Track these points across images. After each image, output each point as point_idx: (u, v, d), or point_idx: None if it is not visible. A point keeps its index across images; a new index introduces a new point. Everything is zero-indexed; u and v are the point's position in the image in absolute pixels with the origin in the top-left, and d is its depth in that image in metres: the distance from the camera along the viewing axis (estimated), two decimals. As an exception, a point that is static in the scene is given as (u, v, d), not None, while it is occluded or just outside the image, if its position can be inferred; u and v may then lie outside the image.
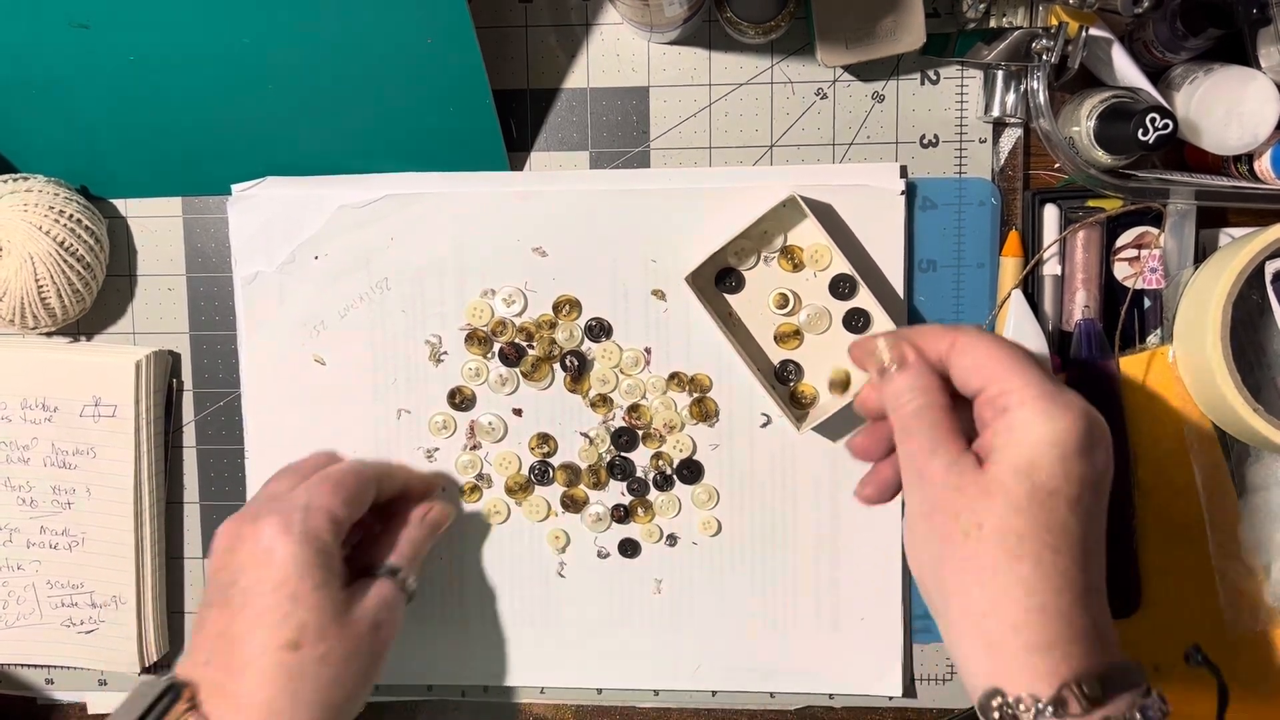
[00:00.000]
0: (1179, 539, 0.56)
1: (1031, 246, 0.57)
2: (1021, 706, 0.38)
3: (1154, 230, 0.56)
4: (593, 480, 0.59)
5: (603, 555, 0.60)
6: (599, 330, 0.58)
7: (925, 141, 0.57)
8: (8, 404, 0.60)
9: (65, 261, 0.56)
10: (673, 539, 0.59)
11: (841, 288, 0.56)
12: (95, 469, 0.59)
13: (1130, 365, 0.56)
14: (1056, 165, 0.57)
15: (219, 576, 0.49)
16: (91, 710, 0.64)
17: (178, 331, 0.61)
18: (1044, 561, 0.39)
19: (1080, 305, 0.56)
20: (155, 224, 0.61)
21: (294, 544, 0.48)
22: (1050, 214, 0.56)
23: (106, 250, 0.59)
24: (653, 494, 0.59)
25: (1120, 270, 0.57)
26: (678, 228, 0.57)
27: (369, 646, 0.50)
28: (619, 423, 0.59)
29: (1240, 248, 0.52)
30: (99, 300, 0.60)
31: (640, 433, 0.58)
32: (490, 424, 0.59)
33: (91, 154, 0.59)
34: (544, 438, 0.59)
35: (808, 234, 0.56)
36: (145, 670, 0.61)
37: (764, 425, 0.58)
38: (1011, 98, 0.55)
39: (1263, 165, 0.54)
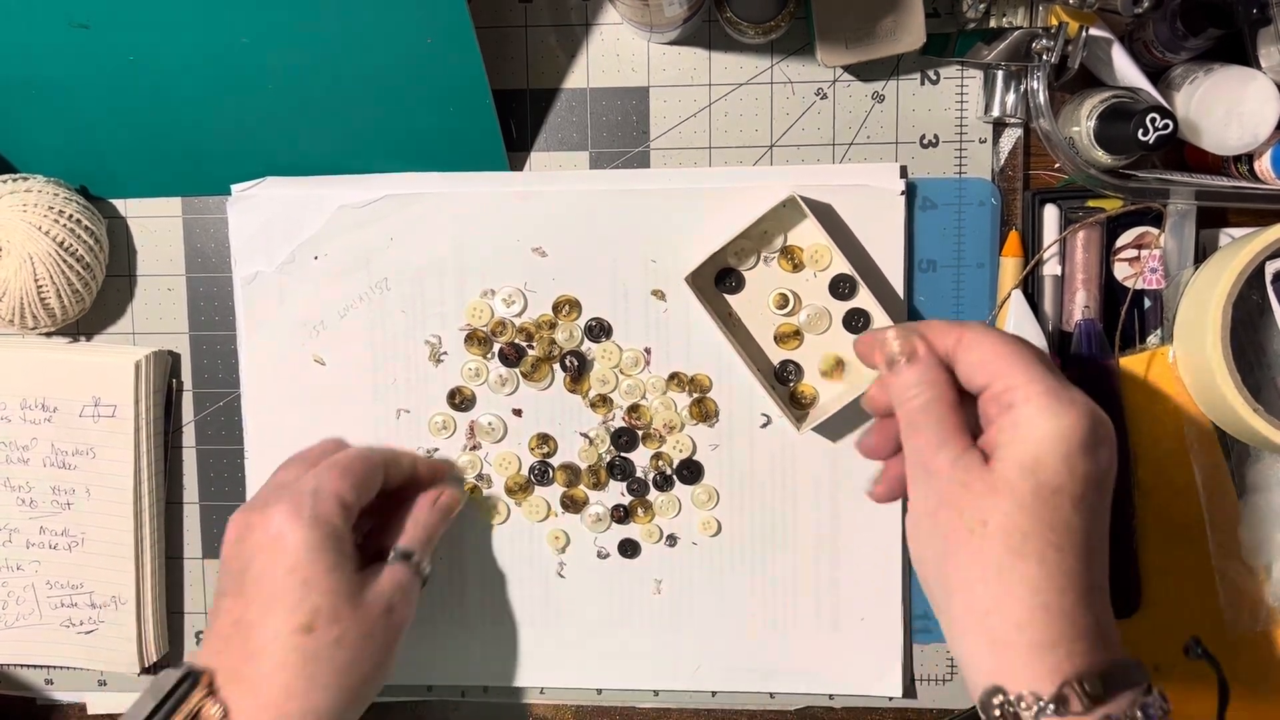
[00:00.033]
0: (1179, 539, 0.56)
1: (1031, 246, 0.57)
2: (1023, 704, 0.38)
3: (1154, 230, 0.56)
4: (593, 480, 0.59)
5: (603, 555, 0.60)
6: (599, 330, 0.58)
7: (925, 141, 0.57)
8: (7, 404, 0.60)
9: (65, 261, 0.56)
10: (673, 539, 0.59)
11: (841, 288, 0.56)
12: (95, 469, 0.59)
13: (1130, 365, 0.56)
14: (1056, 165, 0.57)
15: (231, 566, 0.49)
16: (91, 711, 0.64)
17: (177, 332, 0.61)
18: (1048, 560, 0.39)
19: (1080, 305, 0.56)
20: (155, 224, 0.61)
21: (304, 528, 0.48)
22: (1050, 214, 0.56)
23: (106, 250, 0.59)
24: (653, 494, 0.59)
25: (1120, 270, 0.57)
26: (678, 228, 0.57)
27: (383, 629, 0.50)
28: (619, 423, 0.59)
29: (1240, 248, 0.52)
30: (99, 300, 0.60)
31: (640, 433, 0.58)
32: (490, 424, 0.59)
33: (91, 154, 0.59)
34: (544, 438, 0.59)
35: (808, 234, 0.56)
36: (145, 671, 0.61)
37: (764, 425, 0.58)
38: (1011, 98, 0.55)
39: (1263, 165, 0.54)
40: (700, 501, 0.59)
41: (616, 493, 0.59)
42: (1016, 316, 0.56)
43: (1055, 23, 0.52)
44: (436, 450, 0.59)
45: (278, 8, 0.52)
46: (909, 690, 0.59)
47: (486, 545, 0.60)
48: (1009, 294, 0.56)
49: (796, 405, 0.57)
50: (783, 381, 0.58)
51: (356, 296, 0.59)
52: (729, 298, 0.57)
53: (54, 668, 0.63)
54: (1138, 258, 0.57)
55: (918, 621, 0.59)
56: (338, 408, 0.59)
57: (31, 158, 0.59)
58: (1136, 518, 0.56)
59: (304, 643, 0.47)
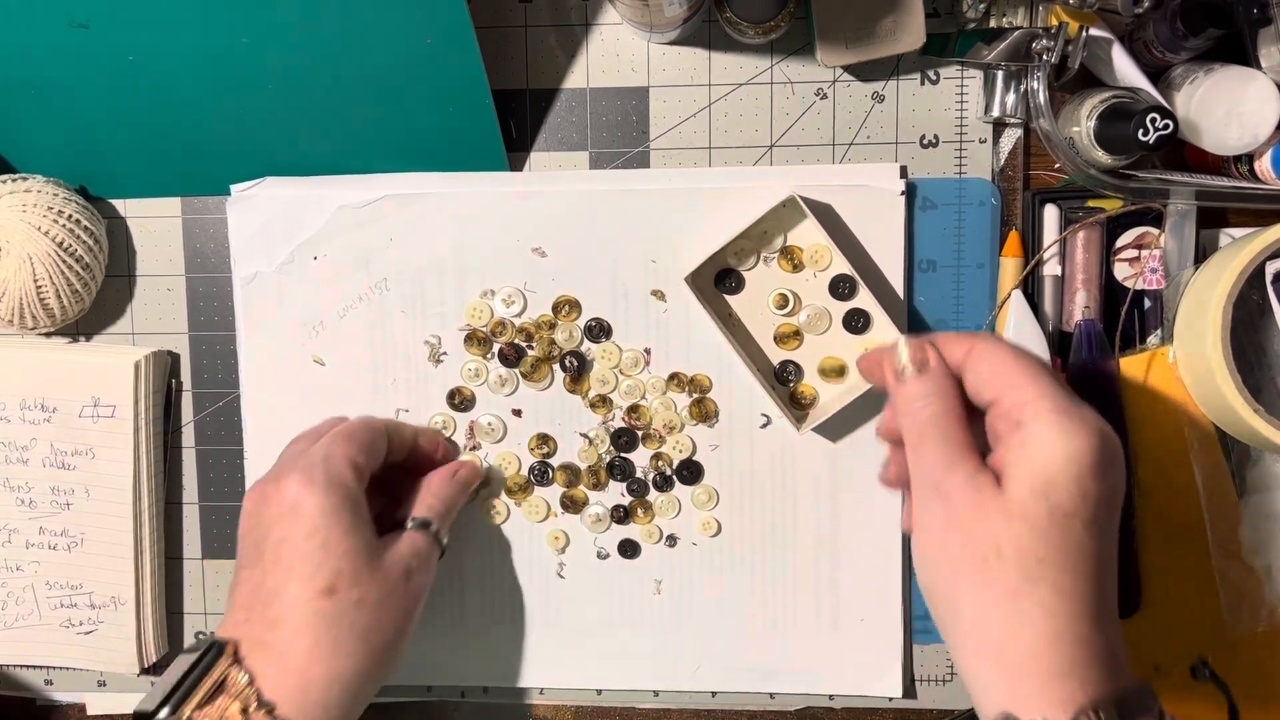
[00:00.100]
0: (1179, 539, 0.56)
1: (1031, 247, 0.57)
2: None
3: (1154, 230, 0.56)
4: (592, 481, 0.59)
5: (602, 556, 0.60)
6: (599, 331, 0.58)
7: (925, 141, 0.57)
8: (7, 404, 0.60)
9: (64, 262, 0.56)
10: (672, 539, 0.59)
11: (841, 288, 0.56)
12: (94, 469, 0.59)
13: (1130, 366, 0.56)
14: (1056, 165, 0.57)
15: (249, 537, 0.50)
16: (91, 711, 0.64)
17: (177, 332, 0.61)
18: (1062, 586, 0.38)
19: (1080, 306, 0.56)
20: (154, 224, 0.61)
21: (319, 493, 0.48)
22: (1050, 214, 0.56)
23: (105, 250, 0.59)
24: (652, 494, 0.59)
25: (1120, 270, 0.57)
26: (678, 228, 0.57)
27: (403, 593, 0.50)
28: (619, 423, 0.58)
29: (1240, 248, 0.52)
30: (98, 300, 0.60)
31: (640, 433, 0.58)
32: (490, 424, 0.59)
33: (91, 154, 0.59)
34: (543, 438, 0.59)
35: (808, 234, 0.56)
36: (145, 671, 0.61)
37: (764, 426, 0.58)
38: (1011, 98, 0.55)
39: (1263, 165, 0.54)
40: (700, 502, 0.59)
41: (616, 493, 0.59)
42: (1017, 317, 0.56)
43: (1055, 23, 0.52)
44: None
45: (278, 8, 0.52)
46: (909, 690, 0.59)
47: (486, 545, 0.60)
48: (1009, 294, 0.56)
49: (796, 405, 0.57)
50: (783, 382, 0.58)
51: (356, 296, 0.59)
52: (729, 298, 0.57)
53: (54, 668, 0.63)
54: (1138, 258, 0.57)
55: (918, 622, 0.59)
56: (338, 408, 0.59)
57: (31, 158, 0.59)
58: (1136, 518, 0.56)
59: (326, 606, 0.47)
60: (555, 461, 0.59)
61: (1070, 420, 0.39)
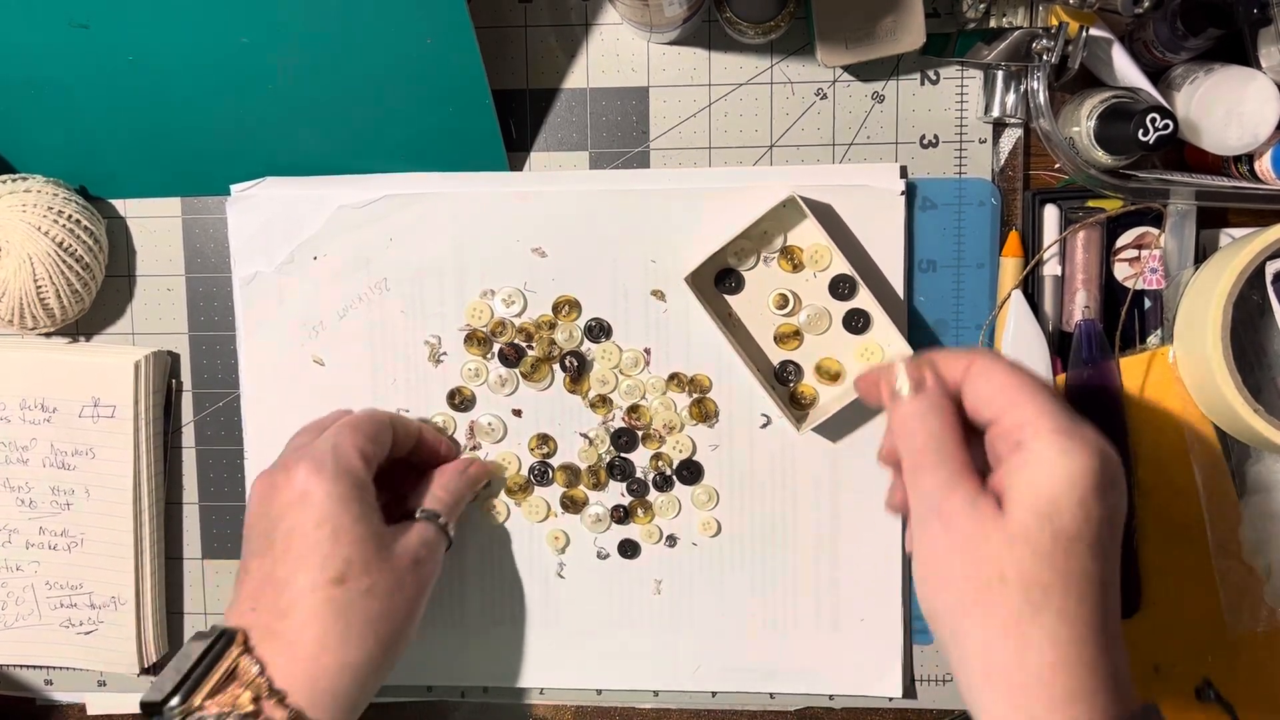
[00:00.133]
0: (1179, 539, 0.56)
1: (1031, 247, 0.57)
2: None
3: (1154, 230, 0.56)
4: (592, 481, 0.59)
5: (602, 556, 0.59)
6: (599, 331, 0.58)
7: (925, 141, 0.57)
8: (7, 404, 0.60)
9: (64, 262, 0.56)
10: (672, 539, 0.59)
11: (841, 288, 0.56)
12: (94, 469, 0.59)
13: (1130, 366, 0.56)
14: (1056, 165, 0.57)
15: (258, 526, 0.50)
16: (91, 711, 0.64)
17: (177, 332, 0.61)
18: (1067, 611, 0.38)
19: (1080, 306, 0.56)
20: (154, 224, 0.61)
21: (328, 481, 0.49)
22: (1050, 214, 0.56)
23: (105, 250, 0.59)
24: (652, 494, 0.59)
25: (1120, 270, 0.57)
26: (678, 228, 0.57)
27: (412, 581, 0.50)
28: (619, 423, 0.58)
29: (1240, 248, 0.52)
30: (98, 300, 0.60)
31: (640, 433, 0.58)
32: (490, 424, 0.59)
33: (91, 154, 0.59)
34: (543, 438, 0.59)
35: (808, 234, 0.56)
36: (145, 671, 0.61)
37: (764, 426, 0.58)
38: (1011, 98, 0.55)
39: (1263, 165, 0.54)
40: (700, 502, 0.59)
41: (616, 493, 0.59)
42: (1017, 317, 0.56)
43: (1055, 23, 0.52)
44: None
45: (277, 8, 0.52)
46: (909, 690, 0.59)
47: (486, 545, 0.60)
48: (1009, 294, 0.56)
49: (796, 405, 0.57)
50: (783, 382, 0.58)
51: (356, 296, 0.59)
52: (729, 298, 0.57)
53: (54, 668, 0.63)
54: (1138, 258, 0.57)
55: (918, 622, 0.59)
56: (338, 407, 0.59)
57: (31, 158, 0.59)
58: (1136, 518, 0.56)
59: (336, 594, 0.47)
60: (555, 461, 0.59)
61: (1071, 440, 0.39)
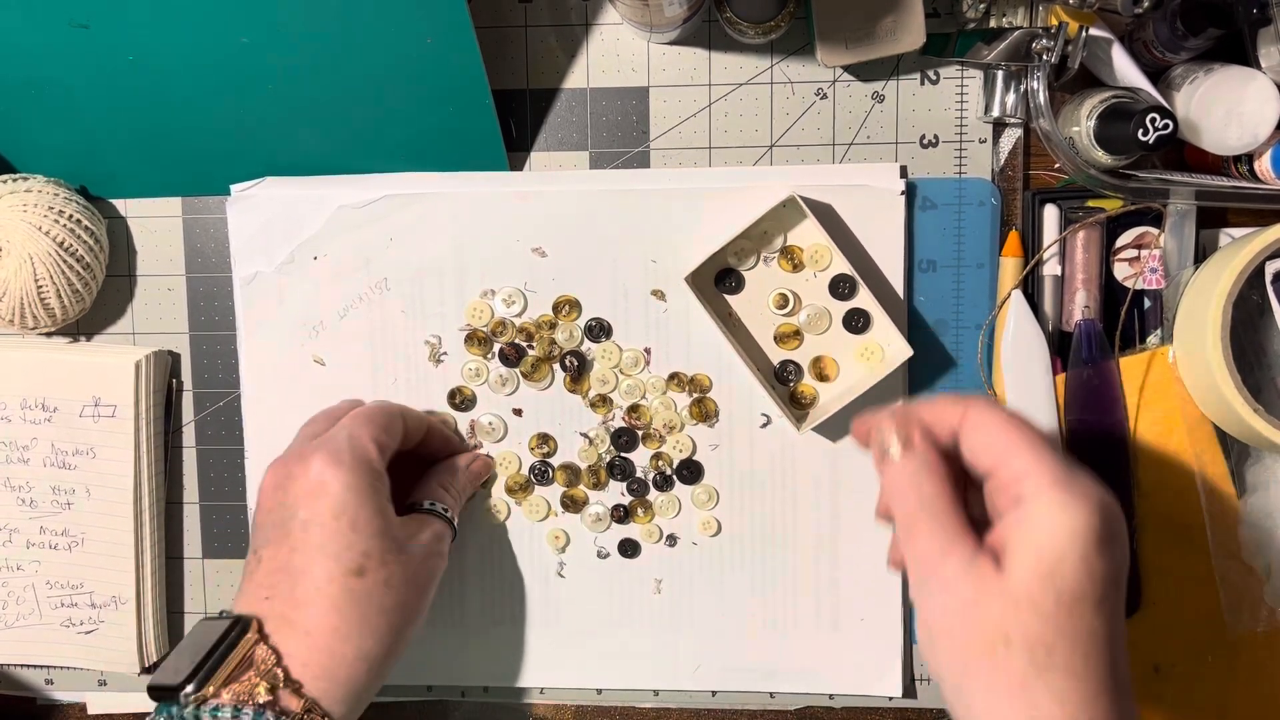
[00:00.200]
0: (1179, 539, 0.56)
1: (1031, 246, 0.57)
2: None
3: (1154, 230, 0.56)
4: (592, 480, 0.59)
5: (602, 555, 0.60)
6: (599, 330, 0.58)
7: (925, 141, 0.57)
8: (8, 404, 0.60)
9: (65, 261, 0.56)
10: (672, 539, 0.59)
11: (841, 288, 0.56)
12: (95, 469, 0.59)
13: (1130, 365, 0.56)
14: (1056, 165, 0.57)
15: (273, 515, 0.50)
16: (91, 710, 0.64)
17: (177, 331, 0.61)
18: (1075, 671, 0.37)
19: (1080, 305, 0.56)
20: (155, 224, 0.61)
21: (346, 473, 0.49)
22: (1050, 214, 0.56)
23: (106, 250, 0.59)
24: (652, 494, 0.59)
25: (1120, 270, 0.57)
26: (678, 228, 0.57)
27: (425, 573, 0.51)
28: (619, 423, 0.59)
29: (1240, 248, 0.52)
30: (99, 300, 0.60)
31: (640, 433, 0.58)
32: (490, 424, 0.59)
33: (91, 154, 0.59)
34: (544, 438, 0.59)
35: (808, 234, 0.56)
36: (145, 671, 0.61)
37: (764, 425, 0.58)
38: (1011, 98, 0.55)
39: (1263, 165, 0.54)
40: (700, 501, 0.59)
41: (616, 493, 0.59)
42: (1016, 317, 0.56)
43: (1055, 23, 0.52)
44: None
45: (277, 8, 0.52)
46: (909, 690, 0.59)
47: (486, 545, 0.60)
48: (1009, 294, 0.56)
49: (796, 405, 0.57)
50: (783, 381, 0.58)
51: (356, 296, 0.59)
52: (729, 298, 0.57)
53: (54, 668, 0.63)
54: (1138, 258, 0.57)
55: (918, 621, 0.59)
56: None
57: (31, 158, 0.59)
58: (1136, 518, 0.56)
59: (354, 585, 0.47)
60: (555, 461, 0.59)
61: (1071, 495, 0.38)
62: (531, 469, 0.59)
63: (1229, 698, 0.57)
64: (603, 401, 0.58)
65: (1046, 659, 0.37)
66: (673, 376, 0.58)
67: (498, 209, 0.57)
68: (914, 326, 0.57)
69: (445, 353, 0.59)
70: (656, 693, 0.61)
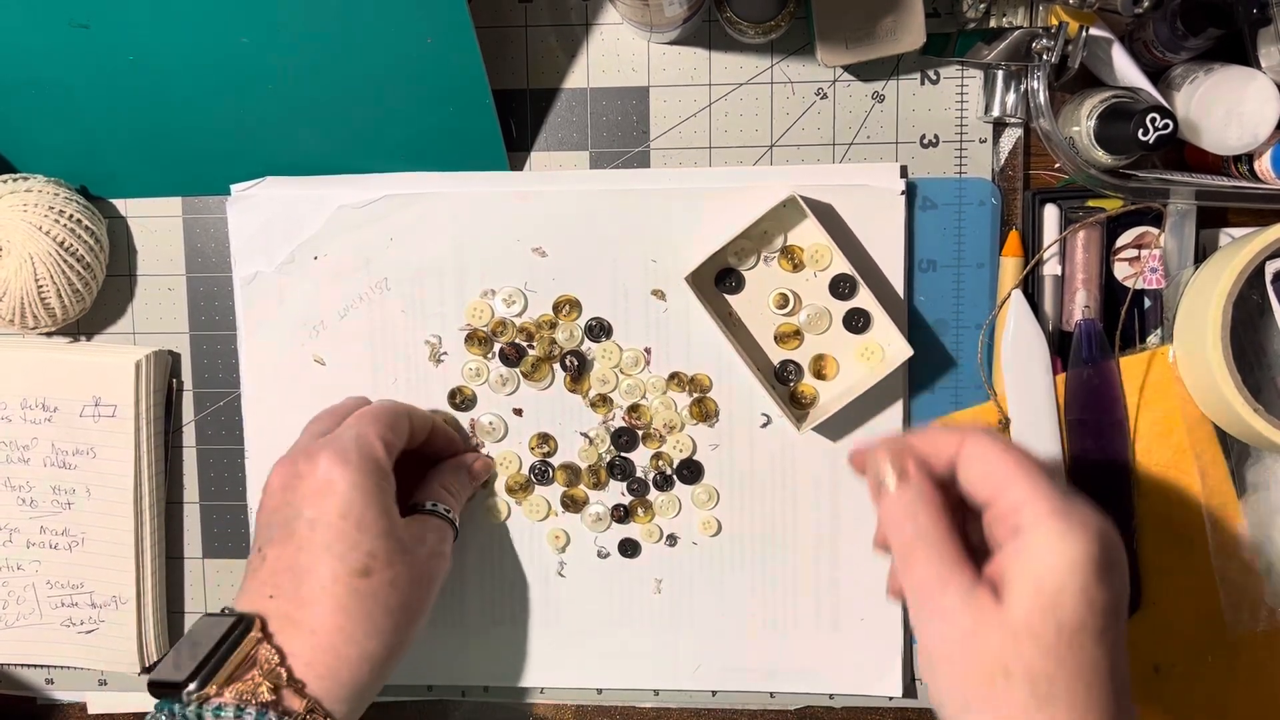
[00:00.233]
0: (1179, 539, 0.56)
1: (1032, 246, 0.57)
2: None
3: (1154, 230, 0.56)
4: (593, 480, 0.59)
5: (603, 555, 0.60)
6: (599, 330, 0.58)
7: (925, 141, 0.57)
8: (8, 404, 0.60)
9: (65, 261, 0.56)
10: (673, 539, 0.59)
11: (842, 288, 0.56)
12: (95, 469, 0.59)
13: (1130, 365, 0.56)
14: (1057, 165, 0.57)
15: (280, 514, 0.49)
16: (91, 710, 0.64)
17: (178, 331, 0.61)
18: (1076, 701, 0.37)
19: (1080, 305, 0.56)
20: (155, 224, 0.61)
21: (354, 472, 0.48)
22: (1050, 214, 0.56)
23: (106, 250, 0.59)
24: (653, 494, 0.59)
25: (1120, 270, 0.57)
26: (678, 228, 0.57)
27: (428, 574, 0.51)
28: (619, 423, 0.59)
29: (1240, 247, 0.52)
30: (99, 300, 0.60)
31: (640, 433, 0.58)
32: (490, 424, 0.59)
33: (91, 154, 0.59)
34: (544, 437, 0.59)
35: (808, 234, 0.56)
36: (145, 670, 0.61)
37: (764, 425, 0.58)
38: (1011, 98, 0.55)
39: (1263, 165, 0.54)
40: (700, 501, 0.59)
41: (616, 492, 0.59)
42: (1017, 316, 0.56)
43: (1055, 22, 0.52)
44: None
45: (278, 8, 0.52)
46: (909, 690, 0.59)
47: (486, 545, 0.60)
48: (1009, 294, 0.56)
49: (796, 405, 0.57)
50: (783, 381, 0.58)
51: (356, 296, 0.59)
52: (729, 298, 0.57)
53: (54, 667, 0.63)
54: (1138, 257, 0.57)
55: (918, 621, 0.59)
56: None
57: (31, 158, 0.59)
58: (1136, 518, 0.56)
59: (360, 586, 0.47)
60: (556, 461, 0.59)
61: (1069, 525, 0.38)
62: (532, 469, 0.59)
63: (1229, 698, 0.57)
64: (603, 401, 0.58)
65: (1048, 690, 0.37)
66: (673, 376, 0.58)
67: (498, 209, 0.57)
68: (914, 326, 0.57)
69: (445, 353, 0.59)
70: (657, 692, 0.61)
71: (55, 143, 0.58)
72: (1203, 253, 0.56)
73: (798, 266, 0.56)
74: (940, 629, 0.39)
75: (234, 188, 0.59)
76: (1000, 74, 0.55)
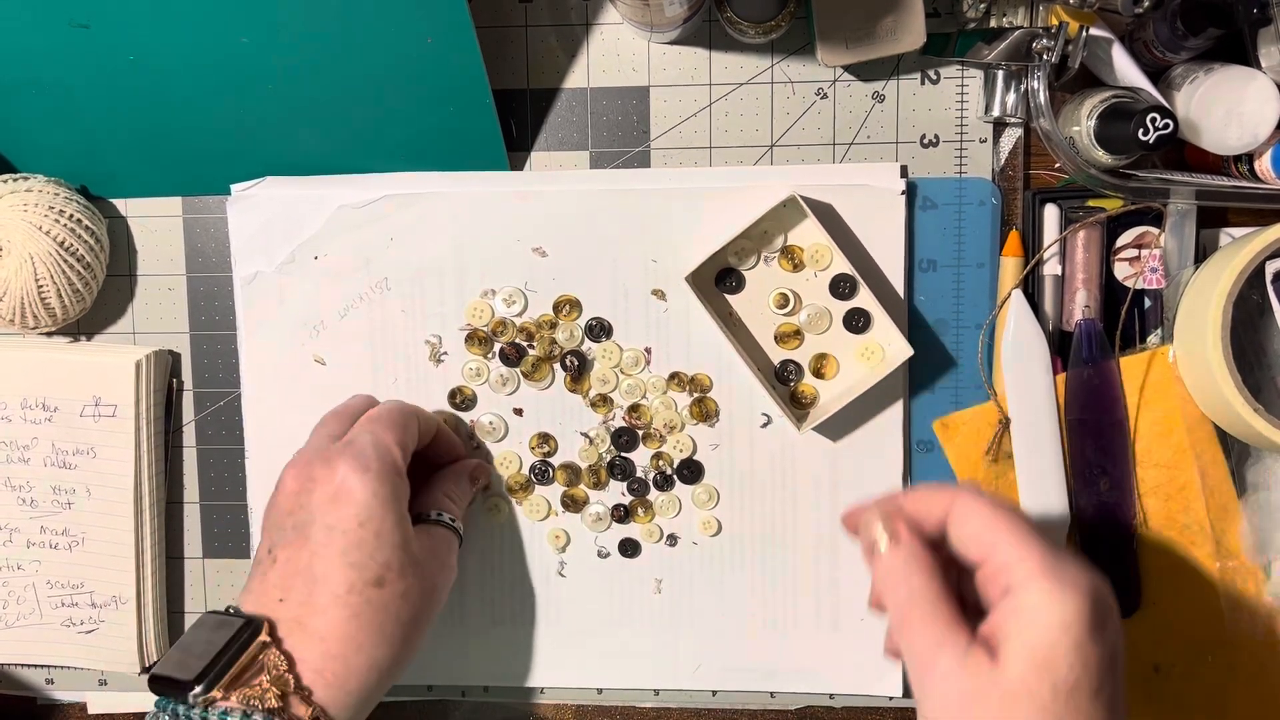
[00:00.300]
0: (1179, 539, 0.56)
1: (1032, 246, 0.57)
2: None
3: (1154, 230, 0.56)
4: (593, 480, 0.59)
5: (603, 555, 0.60)
6: (599, 330, 0.58)
7: (925, 141, 0.57)
8: (8, 404, 0.60)
9: (65, 261, 0.56)
10: (673, 539, 0.59)
11: (842, 288, 0.56)
12: (95, 469, 0.59)
13: (1130, 365, 0.56)
14: (1057, 165, 0.57)
15: (294, 517, 0.49)
16: (91, 710, 0.64)
17: (178, 331, 0.61)
18: None
19: (1080, 305, 0.56)
20: (155, 224, 0.61)
21: (373, 480, 0.48)
22: (1050, 214, 0.56)
23: (106, 250, 0.59)
24: (653, 494, 0.59)
25: (1120, 270, 0.57)
26: (678, 228, 0.57)
27: (438, 585, 0.51)
28: (619, 423, 0.59)
29: (1240, 247, 0.52)
30: (99, 300, 0.60)
31: (640, 433, 0.58)
32: (491, 424, 0.59)
33: (91, 154, 0.59)
34: (544, 437, 0.59)
35: (808, 234, 0.56)
36: (145, 670, 0.61)
37: (764, 425, 0.58)
38: (1012, 97, 0.55)
39: (1263, 165, 0.54)
40: (700, 501, 0.59)
41: (617, 492, 0.59)
42: (1017, 316, 0.56)
43: (1055, 22, 0.52)
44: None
45: (278, 8, 0.52)
46: (909, 690, 0.59)
47: (487, 545, 0.60)
48: (1009, 294, 0.56)
49: (796, 405, 0.57)
50: (783, 381, 0.58)
51: (356, 296, 0.59)
52: (729, 297, 0.57)
53: (54, 667, 0.63)
54: (1138, 257, 0.57)
55: (918, 621, 0.59)
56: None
57: (31, 158, 0.59)
58: (1136, 518, 0.56)
59: (373, 596, 0.47)
60: (556, 460, 0.59)
61: (1060, 584, 0.38)
62: (532, 469, 0.59)
63: (1229, 698, 0.57)
64: (603, 401, 0.58)
65: None
66: (673, 376, 0.58)
67: (498, 209, 0.57)
68: (914, 326, 0.57)
69: (445, 352, 0.59)
70: (657, 692, 0.61)
71: (55, 143, 0.58)
72: (1203, 253, 0.56)
73: (798, 266, 0.56)
74: (938, 692, 0.39)
75: (234, 188, 0.59)
76: (1000, 74, 0.55)
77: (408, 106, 0.55)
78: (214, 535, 0.62)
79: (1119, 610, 0.40)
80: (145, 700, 0.46)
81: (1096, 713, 0.38)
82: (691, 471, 0.58)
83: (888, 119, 0.57)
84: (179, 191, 0.60)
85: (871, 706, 0.60)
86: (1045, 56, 0.52)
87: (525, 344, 0.58)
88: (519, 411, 0.59)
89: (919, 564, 0.41)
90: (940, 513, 0.42)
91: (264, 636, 0.46)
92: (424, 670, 0.61)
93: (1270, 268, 0.53)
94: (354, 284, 0.59)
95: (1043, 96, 0.53)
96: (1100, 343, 0.56)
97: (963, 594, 0.42)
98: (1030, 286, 0.57)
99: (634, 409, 0.58)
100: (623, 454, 0.59)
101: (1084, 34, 0.52)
